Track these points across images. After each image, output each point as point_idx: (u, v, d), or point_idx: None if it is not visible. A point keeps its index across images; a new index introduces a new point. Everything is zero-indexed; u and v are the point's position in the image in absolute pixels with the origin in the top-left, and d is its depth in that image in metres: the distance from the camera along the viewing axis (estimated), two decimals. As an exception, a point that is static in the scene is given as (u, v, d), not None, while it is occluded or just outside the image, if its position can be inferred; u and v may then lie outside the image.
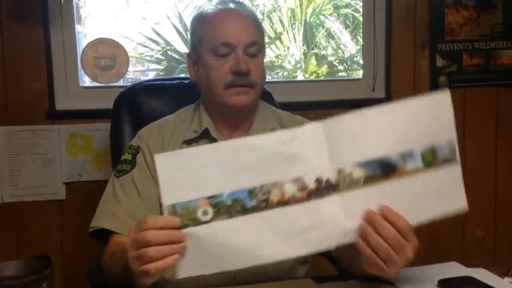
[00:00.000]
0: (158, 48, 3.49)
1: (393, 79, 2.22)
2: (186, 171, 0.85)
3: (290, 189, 0.87)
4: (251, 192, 0.86)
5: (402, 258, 0.87)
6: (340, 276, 1.12)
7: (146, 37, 3.34)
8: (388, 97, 2.22)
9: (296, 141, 0.88)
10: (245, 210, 0.86)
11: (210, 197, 0.85)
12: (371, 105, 2.32)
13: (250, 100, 1.21)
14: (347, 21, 3.75)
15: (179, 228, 0.84)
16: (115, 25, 2.88)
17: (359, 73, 2.37)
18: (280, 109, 1.44)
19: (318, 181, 0.87)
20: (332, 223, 0.88)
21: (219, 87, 1.20)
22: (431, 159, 0.90)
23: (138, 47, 3.40)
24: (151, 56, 3.52)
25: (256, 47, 1.22)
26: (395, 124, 0.90)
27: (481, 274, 1.08)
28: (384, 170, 0.89)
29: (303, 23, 3.64)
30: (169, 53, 3.50)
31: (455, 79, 2.26)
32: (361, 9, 2.34)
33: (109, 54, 2.02)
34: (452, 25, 2.23)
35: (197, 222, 0.85)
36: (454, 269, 1.12)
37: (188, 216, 0.85)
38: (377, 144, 0.89)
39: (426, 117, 0.91)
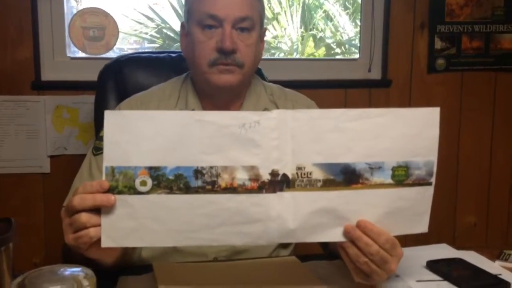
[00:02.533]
0: (153, 25, 3.43)
1: (390, 60, 2.18)
2: (133, 134, 0.79)
3: (242, 177, 0.81)
4: (198, 172, 0.80)
5: (385, 271, 0.85)
6: (325, 255, 1.09)
7: (142, 14, 3.28)
8: (384, 78, 2.19)
9: (259, 127, 0.80)
10: (187, 189, 0.80)
11: (151, 168, 0.79)
12: (367, 85, 2.29)
13: (235, 80, 1.13)
14: (346, 3, 3.69)
15: (113, 193, 0.80)
16: (112, 2, 2.81)
17: (357, 57, 2.33)
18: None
19: (274, 174, 0.81)
20: (277, 221, 0.82)
21: (203, 64, 1.12)
22: (402, 176, 0.85)
23: (135, 25, 3.35)
24: (146, 33, 3.46)
25: (248, 22, 1.12)
26: (370, 131, 0.84)
27: (471, 256, 1.07)
28: (346, 177, 0.83)
29: (301, 4, 3.58)
30: (164, 30, 3.44)
31: (454, 62, 2.22)
32: (360, -9, 2.28)
33: (98, 24, 1.96)
34: (452, 6, 2.19)
35: (133, 191, 0.79)
36: (444, 251, 1.10)
37: (125, 183, 0.79)
38: (345, 149, 0.83)
39: (407, 131, 0.85)
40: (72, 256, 1.02)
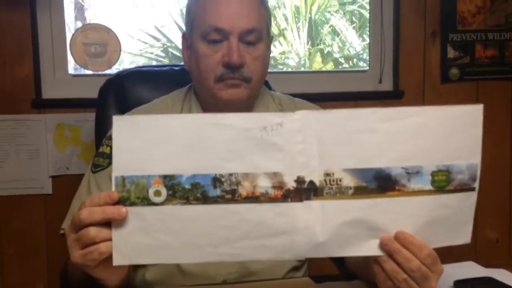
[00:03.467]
0: (159, 44, 3.42)
1: (401, 70, 2.12)
2: (144, 140, 0.73)
3: (264, 185, 0.74)
4: (217, 180, 0.74)
5: None
6: (341, 276, 1.03)
7: (148, 33, 3.28)
8: (396, 89, 2.13)
9: (281, 129, 0.74)
10: (205, 199, 0.74)
11: (166, 176, 0.73)
12: (378, 97, 2.22)
13: (243, 95, 1.08)
14: (353, 18, 3.65)
15: (124, 205, 0.74)
16: (119, 25, 2.81)
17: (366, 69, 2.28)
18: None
19: (299, 181, 0.75)
20: (305, 232, 0.75)
21: (209, 79, 1.07)
22: (443, 182, 0.78)
23: (141, 46, 3.34)
24: (152, 53, 3.46)
25: (255, 34, 1.07)
26: (406, 132, 0.76)
27: (501, 274, 0.99)
28: (380, 183, 0.76)
29: (307, 20, 3.55)
30: (170, 50, 3.43)
31: (468, 71, 2.16)
32: (367, 5, 2.23)
33: (99, 40, 1.92)
34: (464, 14, 2.13)
35: (146, 202, 0.73)
36: (471, 269, 1.02)
37: (137, 194, 0.73)
38: (378, 152, 0.76)
39: (447, 131, 0.77)
40: (72, 279, 0.95)
